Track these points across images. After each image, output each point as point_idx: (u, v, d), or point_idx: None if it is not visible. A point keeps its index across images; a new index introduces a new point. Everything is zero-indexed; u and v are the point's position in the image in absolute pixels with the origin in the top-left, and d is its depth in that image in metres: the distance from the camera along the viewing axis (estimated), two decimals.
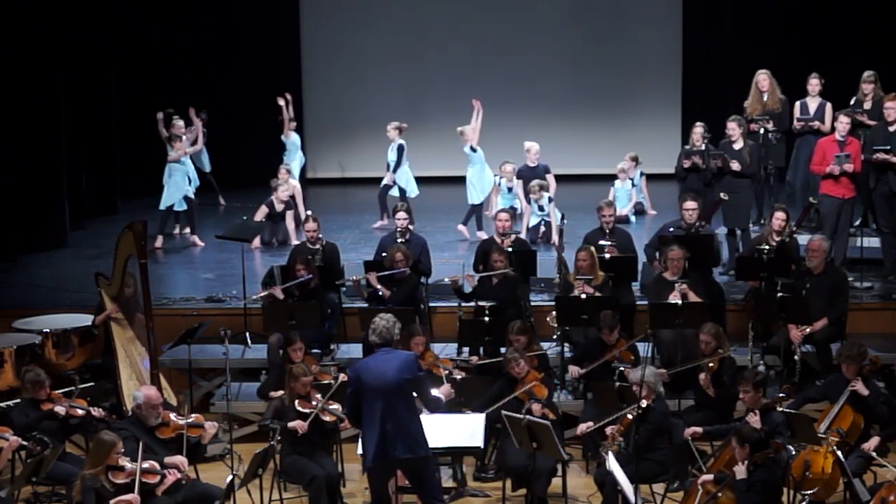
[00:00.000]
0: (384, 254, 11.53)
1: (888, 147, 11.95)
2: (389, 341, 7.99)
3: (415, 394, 8.04)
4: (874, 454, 8.97)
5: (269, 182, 15.23)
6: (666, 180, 15.77)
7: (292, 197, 15.22)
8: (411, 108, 19.07)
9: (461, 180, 16.58)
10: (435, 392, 8.38)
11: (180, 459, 8.84)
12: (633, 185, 15.64)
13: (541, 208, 14.57)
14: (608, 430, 9.21)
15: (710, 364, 9.84)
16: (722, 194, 12.06)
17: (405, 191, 15.27)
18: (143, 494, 8.29)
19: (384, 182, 15.40)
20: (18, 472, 9.06)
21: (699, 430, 9.22)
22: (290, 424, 9.23)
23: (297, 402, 9.37)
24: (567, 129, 18.95)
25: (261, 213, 14.85)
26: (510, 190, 15.39)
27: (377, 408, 7.85)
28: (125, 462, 8.32)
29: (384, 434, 7.82)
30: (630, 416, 9.00)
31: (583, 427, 9.49)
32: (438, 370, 10.15)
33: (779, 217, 11.30)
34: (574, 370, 10.31)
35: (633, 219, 15.37)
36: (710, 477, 8.44)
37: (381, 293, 11.18)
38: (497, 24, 19.01)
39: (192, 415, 9.34)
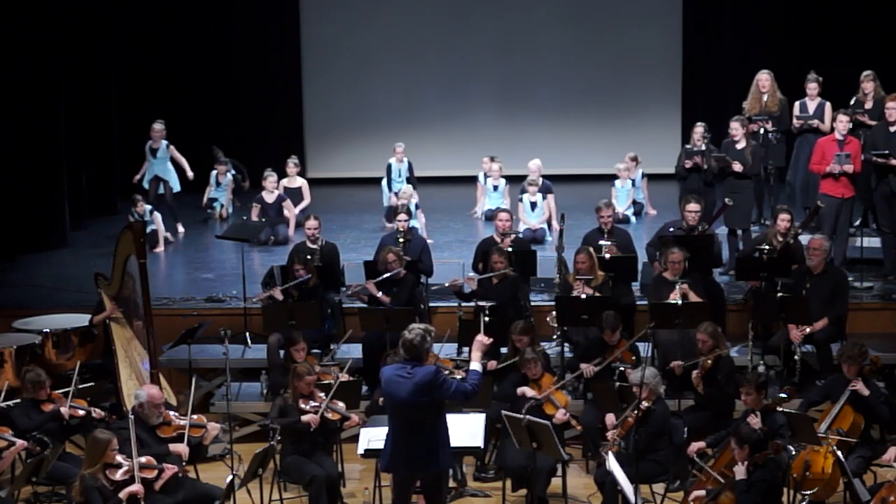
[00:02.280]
0: None
1: (886, 152, 11.94)
2: (417, 357, 7.71)
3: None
4: (894, 464, 8.93)
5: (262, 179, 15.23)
6: (666, 180, 15.76)
7: (299, 189, 15.29)
8: (411, 108, 19.11)
9: (461, 180, 16.64)
10: (473, 365, 7.88)
11: (182, 447, 8.88)
12: (634, 185, 15.62)
13: (533, 206, 14.55)
14: (609, 434, 9.20)
15: (708, 362, 9.82)
16: (727, 200, 12.04)
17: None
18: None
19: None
20: (18, 472, 9.06)
21: (703, 444, 9.16)
22: (304, 418, 9.23)
23: (300, 401, 9.37)
24: (567, 129, 18.94)
25: (255, 211, 14.87)
26: (496, 188, 15.42)
27: (392, 420, 7.80)
28: (121, 459, 8.33)
29: (396, 447, 7.76)
30: (631, 420, 8.99)
31: (610, 418, 9.43)
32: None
33: (783, 219, 11.29)
34: (588, 368, 10.21)
35: (633, 219, 15.37)
36: (702, 493, 8.42)
37: (380, 297, 11.15)
38: (497, 24, 18.99)
39: (195, 415, 9.34)
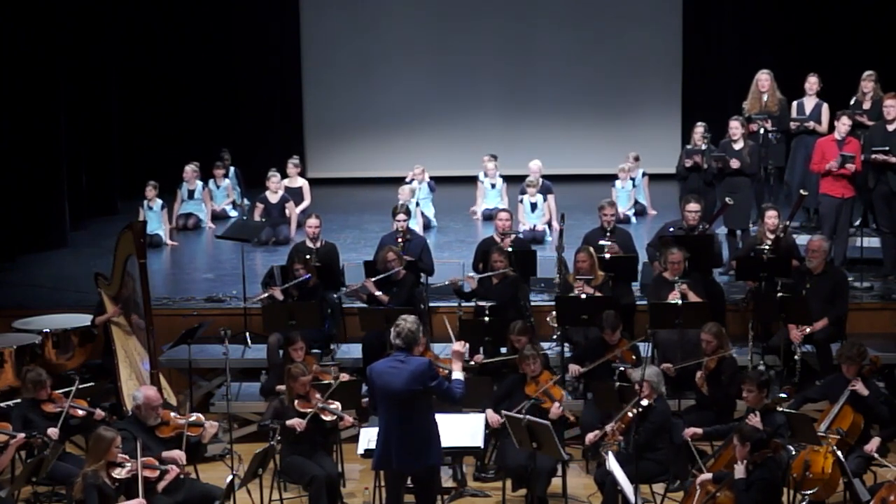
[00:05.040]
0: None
1: (886, 148, 11.94)
2: (412, 345, 7.75)
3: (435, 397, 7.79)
4: (876, 455, 8.96)
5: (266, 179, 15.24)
6: (666, 180, 15.76)
7: (300, 190, 15.31)
8: (411, 108, 19.11)
9: (462, 180, 16.61)
10: (455, 374, 7.86)
11: (178, 453, 8.86)
12: (635, 184, 15.63)
13: (533, 207, 14.55)
14: (608, 427, 9.20)
15: (711, 363, 9.81)
16: (728, 199, 12.04)
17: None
18: (144, 490, 8.29)
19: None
20: (18, 472, 9.06)
21: (699, 430, 9.21)
22: (289, 422, 9.23)
23: (296, 402, 9.37)
24: (567, 129, 18.94)
25: (258, 211, 14.88)
26: (493, 186, 15.43)
27: (384, 415, 7.79)
28: (124, 458, 8.33)
29: (387, 443, 7.75)
30: (631, 415, 9.00)
31: (590, 436, 9.42)
32: (440, 370, 10.15)
33: (771, 216, 11.32)
34: (574, 368, 10.28)
35: (633, 219, 15.36)
36: (709, 476, 8.44)
37: (379, 297, 11.14)
38: (497, 24, 19.00)
39: (193, 414, 9.34)
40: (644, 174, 15.86)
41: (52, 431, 9.31)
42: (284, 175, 15.53)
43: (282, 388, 9.87)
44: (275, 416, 9.37)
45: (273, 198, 14.91)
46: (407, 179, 15.32)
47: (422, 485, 7.91)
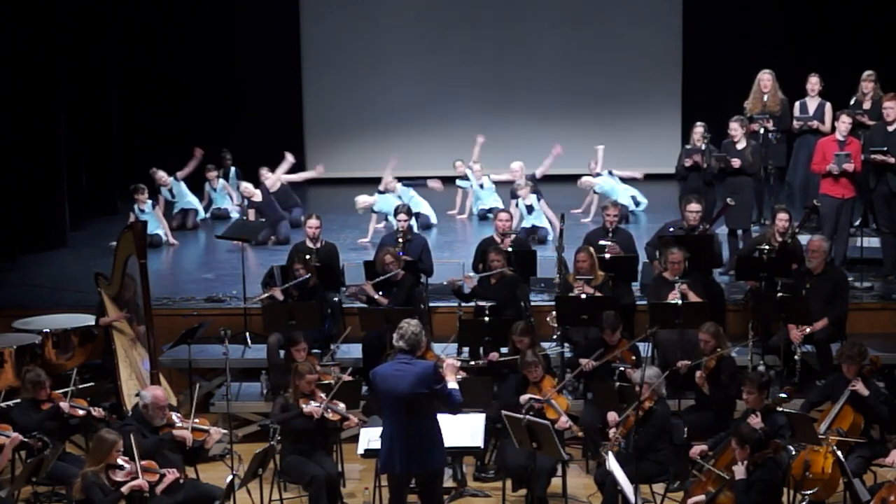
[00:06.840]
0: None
1: (885, 148, 11.94)
2: (415, 348, 7.78)
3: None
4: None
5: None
6: (666, 180, 15.75)
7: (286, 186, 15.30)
8: (411, 108, 19.10)
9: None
10: (451, 385, 7.89)
11: (186, 433, 9.00)
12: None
13: (529, 209, 14.50)
14: (610, 433, 9.19)
15: (711, 362, 9.81)
16: (729, 200, 12.03)
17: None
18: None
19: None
20: (18, 472, 9.06)
21: (704, 447, 9.12)
22: (307, 409, 9.23)
23: (301, 400, 9.37)
24: (567, 129, 18.91)
25: (252, 213, 14.85)
26: (483, 186, 15.40)
27: (388, 418, 7.81)
28: (124, 461, 8.35)
29: (392, 446, 7.77)
30: (633, 419, 8.98)
31: (612, 416, 9.39)
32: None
33: (782, 218, 11.29)
34: (588, 363, 10.15)
35: (632, 218, 15.35)
36: (701, 498, 8.39)
37: (377, 299, 11.13)
38: (497, 24, 18.99)
39: (197, 419, 9.34)
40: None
41: (65, 406, 9.48)
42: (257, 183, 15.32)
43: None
44: (282, 412, 9.36)
45: (257, 198, 14.82)
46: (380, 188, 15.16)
47: (426, 487, 7.91)
